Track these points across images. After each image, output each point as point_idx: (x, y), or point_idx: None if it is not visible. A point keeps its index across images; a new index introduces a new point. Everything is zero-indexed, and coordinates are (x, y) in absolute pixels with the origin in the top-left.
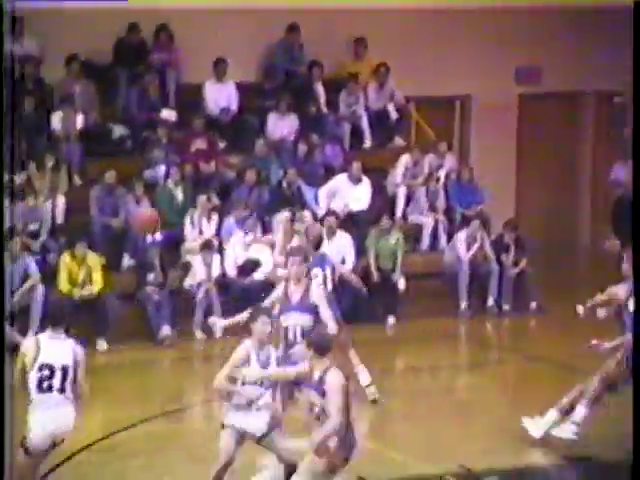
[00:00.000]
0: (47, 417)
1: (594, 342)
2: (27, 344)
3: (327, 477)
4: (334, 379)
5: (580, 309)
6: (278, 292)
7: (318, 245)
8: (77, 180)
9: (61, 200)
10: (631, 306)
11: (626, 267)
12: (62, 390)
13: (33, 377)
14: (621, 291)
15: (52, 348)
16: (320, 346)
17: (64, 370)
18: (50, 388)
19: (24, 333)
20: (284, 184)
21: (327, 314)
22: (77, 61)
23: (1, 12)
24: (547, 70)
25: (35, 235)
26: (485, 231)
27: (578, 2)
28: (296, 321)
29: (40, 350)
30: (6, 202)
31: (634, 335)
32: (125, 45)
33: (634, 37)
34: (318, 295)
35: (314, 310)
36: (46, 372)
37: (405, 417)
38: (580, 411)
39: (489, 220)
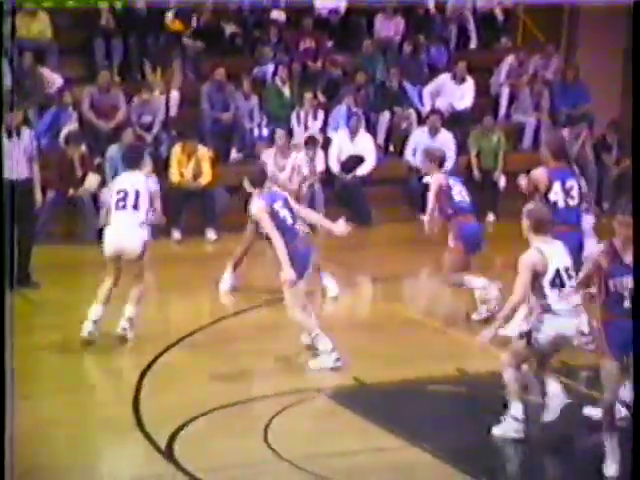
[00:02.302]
0: (117, 232)
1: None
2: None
3: None
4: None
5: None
6: None
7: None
8: (190, 75)
9: (175, 94)
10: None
11: None
12: (135, 207)
13: (112, 199)
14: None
15: (127, 178)
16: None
17: (137, 193)
18: (124, 207)
19: None
20: (389, 83)
21: None
22: None
23: (1, 11)
24: None
25: (148, 127)
26: (589, 130)
27: (579, 2)
28: None
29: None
30: (121, 96)
31: (634, 329)
32: None
33: (634, 37)
34: None
35: None
36: (121, 195)
37: None
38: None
39: (593, 120)
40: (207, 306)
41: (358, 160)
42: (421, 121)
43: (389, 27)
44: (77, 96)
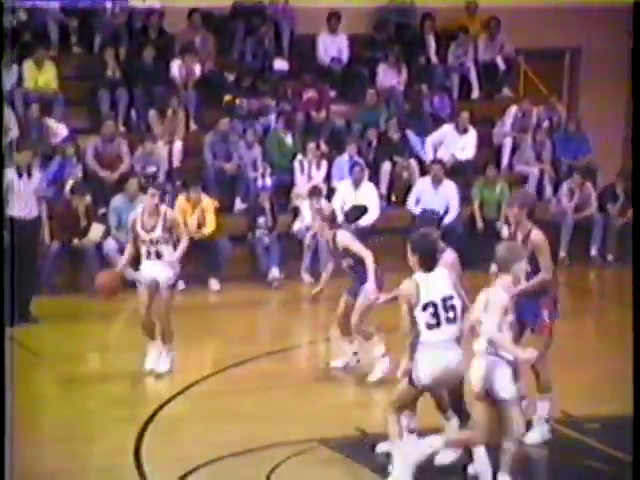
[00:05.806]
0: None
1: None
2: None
3: None
4: None
5: None
6: None
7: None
8: (193, 126)
9: (178, 145)
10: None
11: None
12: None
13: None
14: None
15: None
16: None
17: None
18: (438, 324)
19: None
20: (391, 133)
21: None
22: (198, 13)
23: (1, 11)
24: None
25: (153, 178)
26: (591, 181)
27: (578, 2)
28: None
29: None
30: (125, 147)
31: (634, 336)
32: None
33: (634, 37)
34: None
35: None
36: (430, 309)
37: None
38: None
39: (596, 171)
40: (210, 356)
41: (362, 210)
42: (423, 171)
43: (392, 76)
44: (82, 147)
